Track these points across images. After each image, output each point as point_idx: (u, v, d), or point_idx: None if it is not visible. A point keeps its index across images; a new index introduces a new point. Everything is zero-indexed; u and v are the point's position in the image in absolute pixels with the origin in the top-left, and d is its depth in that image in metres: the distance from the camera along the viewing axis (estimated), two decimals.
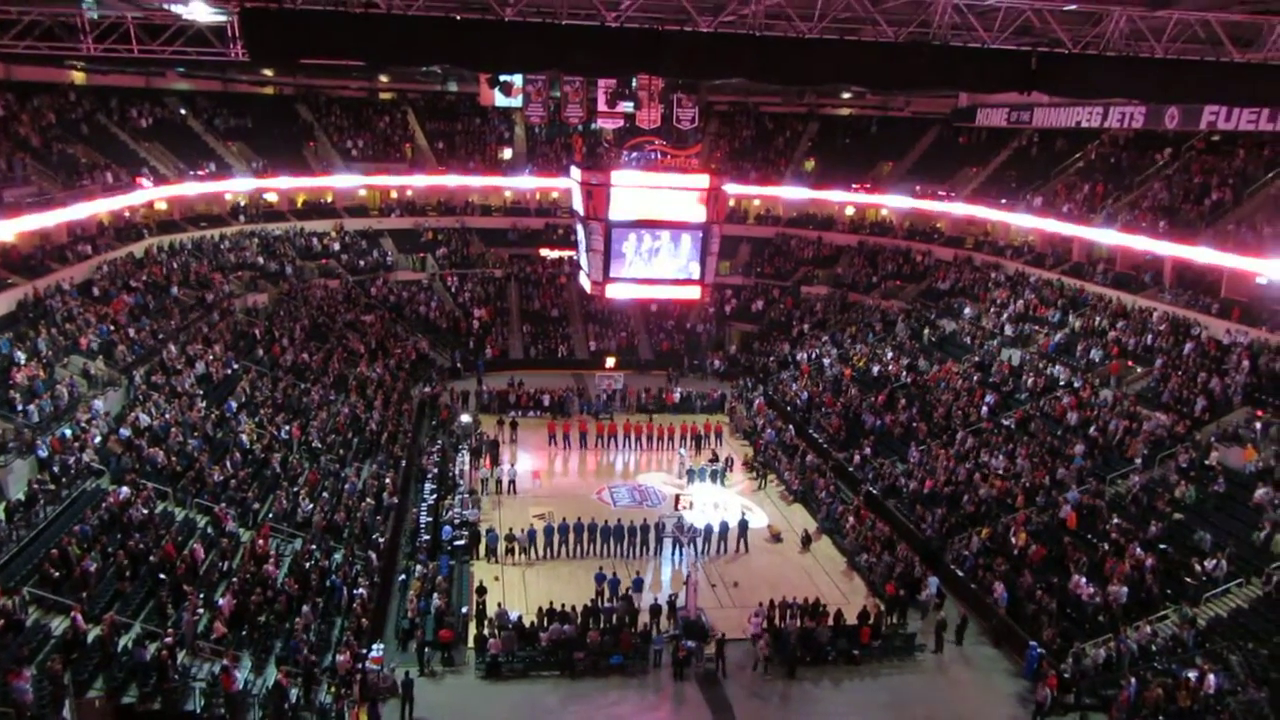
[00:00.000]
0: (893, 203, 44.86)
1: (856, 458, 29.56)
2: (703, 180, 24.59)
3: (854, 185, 46.18)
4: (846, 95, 49.74)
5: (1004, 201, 39.80)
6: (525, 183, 48.73)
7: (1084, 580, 21.07)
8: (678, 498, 26.78)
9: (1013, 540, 23.08)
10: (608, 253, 24.59)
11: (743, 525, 25.68)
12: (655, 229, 24.70)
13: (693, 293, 26.19)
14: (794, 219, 49.01)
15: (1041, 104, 39.35)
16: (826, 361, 37.15)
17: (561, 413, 35.33)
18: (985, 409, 29.21)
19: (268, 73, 46.13)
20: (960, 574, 23.28)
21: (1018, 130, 42.70)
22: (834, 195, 46.73)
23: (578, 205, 25.75)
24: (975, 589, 22.62)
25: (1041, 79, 16.31)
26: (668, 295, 27.12)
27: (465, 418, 32.64)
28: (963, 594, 22.92)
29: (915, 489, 26.67)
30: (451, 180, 47.49)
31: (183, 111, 43.48)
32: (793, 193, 47.84)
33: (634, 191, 24.20)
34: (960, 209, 41.84)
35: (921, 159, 46.61)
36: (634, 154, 25.30)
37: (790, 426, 33.30)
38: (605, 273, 24.90)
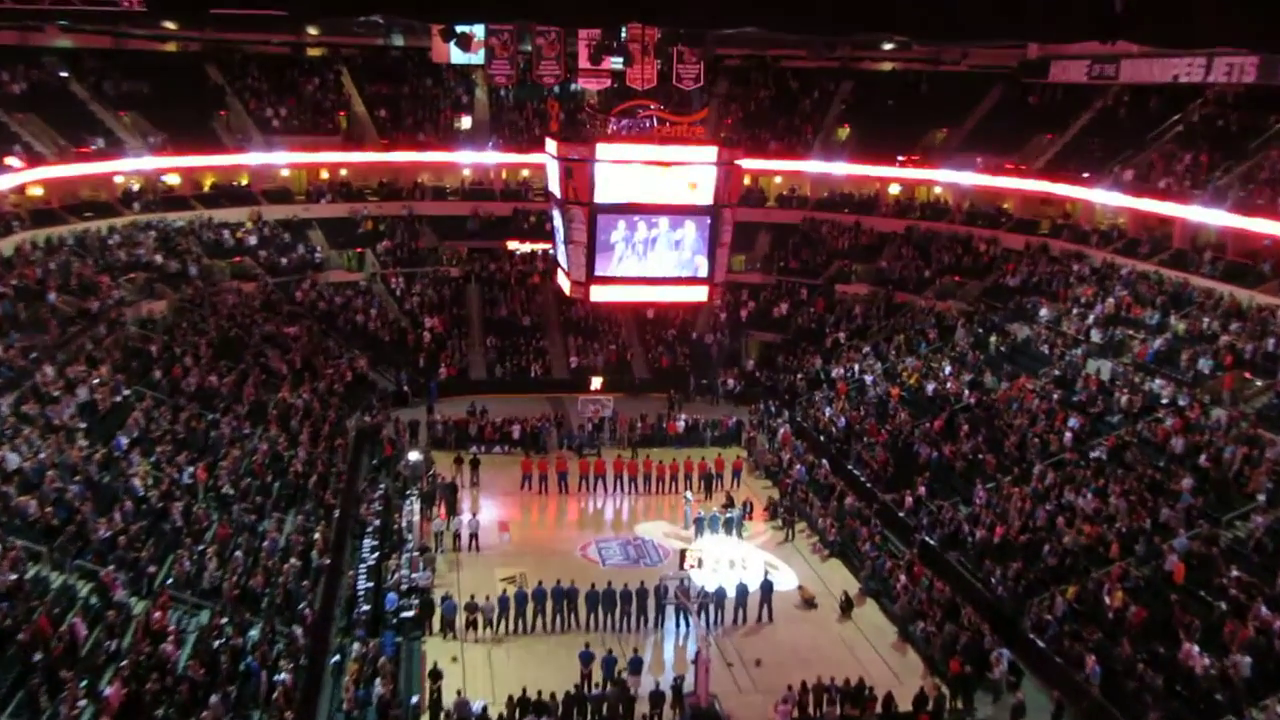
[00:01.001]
0: (948, 178, 45.29)
1: (908, 500, 29.54)
2: (710, 153, 24.67)
3: (899, 157, 46.58)
4: (888, 46, 50.09)
5: (1086, 175, 40.10)
6: (488, 158, 49.17)
7: (1197, 649, 20.76)
8: (683, 554, 26.65)
9: (1106, 601, 22.92)
10: (592, 245, 24.62)
11: (766, 588, 25.58)
12: (651, 215, 24.76)
13: (699, 294, 26.23)
14: (825, 200, 49.46)
15: (1130, 54, 39.64)
16: (869, 379, 37.22)
17: (536, 448, 35.42)
18: (1068, 436, 29.16)
19: (169, 26, 46.33)
20: (1041, 645, 23.04)
21: (1101, 87, 43.03)
22: (875, 170, 47.15)
23: (554, 186, 25.80)
24: (1060, 663, 22.34)
25: (1129, 23, 16.15)
26: (668, 298, 27.15)
27: (414, 455, 32.56)
28: (1045, 670, 22.63)
29: (983, 538, 26.59)
30: (397, 157, 47.93)
31: (64, 74, 43.60)
32: (823, 167, 48.24)
33: (624, 168, 24.25)
34: (1032, 185, 42.15)
35: (983, 124, 47.06)
36: (624, 121, 25.35)
37: (824, 461, 33.32)
38: (589, 270, 24.94)
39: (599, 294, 25.70)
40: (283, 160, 46.42)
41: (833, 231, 47.43)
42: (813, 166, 48.24)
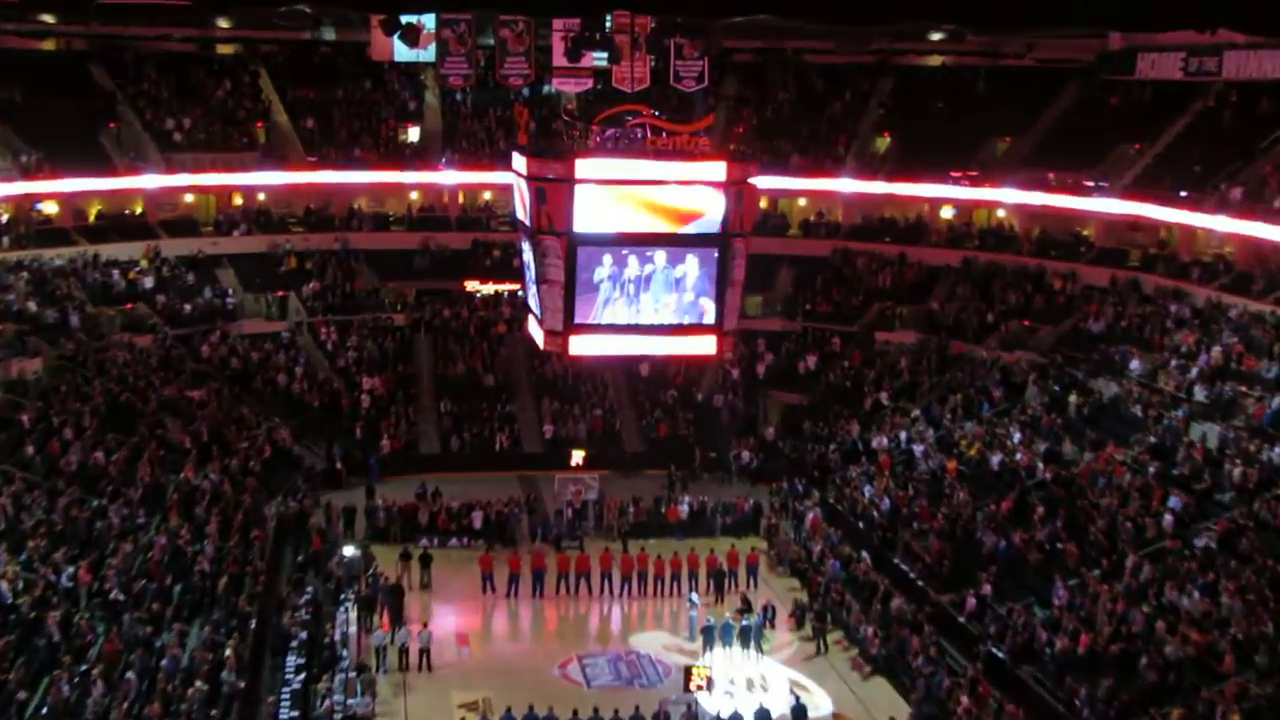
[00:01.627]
0: (1013, 198, 46.11)
1: (970, 601, 29.66)
2: (717, 170, 25.13)
3: (952, 173, 47.43)
4: (936, 36, 51.14)
5: (1184, 194, 40.75)
6: (441, 179, 49.98)
7: None
8: (689, 672, 26.69)
9: None
10: (571, 286, 24.99)
11: (797, 714, 25.65)
12: (645, 247, 25.15)
13: (705, 345, 26.53)
14: (860, 227, 50.08)
15: (1235, 45, 40.40)
16: (918, 450, 37.52)
17: (502, 540, 35.51)
18: (1169, 519, 29.31)
19: (47, 18, 47.15)
20: None
21: (1200, 85, 43.81)
22: (922, 189, 47.97)
23: (523, 212, 26.24)
24: None
25: (1232, 7, 16.45)
26: (666, 350, 27.47)
27: (350, 550, 32.66)
28: None
29: (1064, 649, 26.65)
30: (328, 177, 48.61)
31: None
32: (858, 186, 48.99)
33: (611, 190, 24.68)
34: (1117, 206, 42.83)
35: (1055, 131, 47.94)
36: (610, 132, 25.85)
37: (864, 554, 33.46)
38: (567, 317, 25.27)
39: (580, 346, 25.94)
40: (186, 183, 47.03)
41: (871, 266, 48.05)
42: (845, 185, 49.02)
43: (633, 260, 25.16)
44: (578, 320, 25.30)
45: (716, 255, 25.34)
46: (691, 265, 25.42)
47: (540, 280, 25.46)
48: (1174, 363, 35.64)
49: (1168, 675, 24.77)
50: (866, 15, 45.68)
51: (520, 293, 46.29)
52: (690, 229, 25.10)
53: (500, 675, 27.79)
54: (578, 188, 24.43)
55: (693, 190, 24.99)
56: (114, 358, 39.62)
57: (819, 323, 46.44)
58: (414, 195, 50.77)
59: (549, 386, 44.30)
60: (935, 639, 28.78)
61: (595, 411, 43.16)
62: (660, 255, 25.24)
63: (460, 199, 51.10)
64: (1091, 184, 44.21)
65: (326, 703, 25.02)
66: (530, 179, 25.16)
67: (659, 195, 24.84)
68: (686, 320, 25.77)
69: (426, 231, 49.35)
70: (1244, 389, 33.00)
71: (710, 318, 25.80)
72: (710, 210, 25.02)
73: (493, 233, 49.51)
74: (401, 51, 40.94)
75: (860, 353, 44.68)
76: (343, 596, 30.19)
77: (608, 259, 24.99)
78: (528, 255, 26.70)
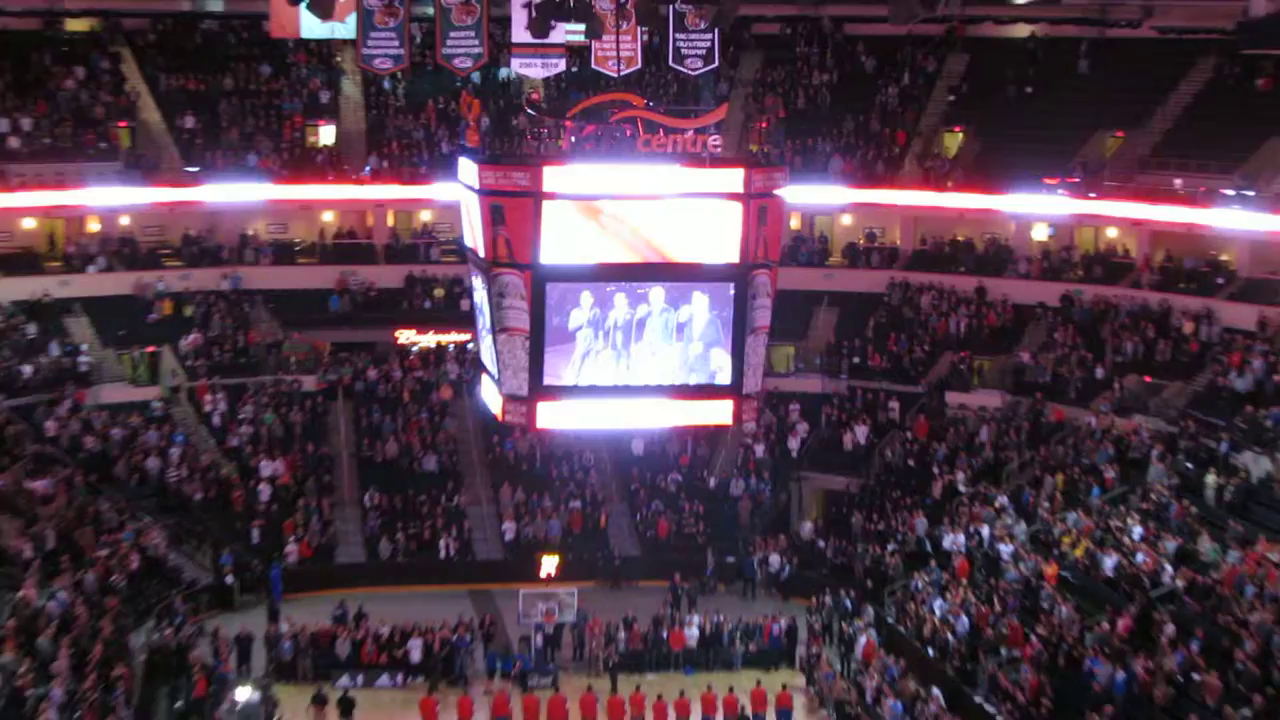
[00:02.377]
0: (1128, 213, 46.57)
1: None
2: (733, 178, 25.26)
3: (1047, 180, 47.98)
4: (1022, 0, 51.49)
5: None
6: (365, 193, 50.52)
7: None
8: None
9: None
10: (539, 335, 25.06)
11: None
12: (637, 282, 25.33)
13: (719, 413, 26.52)
14: (925, 253, 50.88)
15: None
16: (1005, 550, 37.67)
17: (449, 677, 35.69)
18: None
19: None
20: None
21: None
22: (1006, 202, 48.55)
23: (474, 238, 26.35)
24: None
25: None
26: (667, 420, 27.50)
27: (245, 693, 32.58)
28: None
29: None
30: (213, 194, 49.01)
31: None
32: (921, 198, 49.65)
33: (590, 207, 24.95)
34: (1267, 222, 43.11)
35: (1183, 122, 48.47)
36: (589, 129, 26.07)
37: (935, 692, 33.50)
38: (535, 378, 25.29)
39: (551, 416, 25.88)
40: (24, 204, 47.34)
41: (939, 304, 48.52)
42: (904, 198, 49.59)
43: (621, 300, 25.25)
44: (548, 381, 25.31)
45: (733, 292, 25.42)
46: (699, 306, 25.52)
47: (498, 328, 25.52)
48: None
49: None
50: None
51: (471, 345, 46.70)
52: (697, 258, 25.30)
53: None
54: (546, 204, 24.53)
55: (700, 206, 25.17)
56: None
57: (871, 381, 46.82)
58: (328, 217, 51.32)
59: (510, 471, 44.52)
60: None
61: (573, 504, 43.33)
62: (658, 293, 25.33)
63: (390, 221, 51.62)
64: (1232, 192, 44.39)
65: None
66: (483, 193, 25.28)
67: (655, 214, 25.00)
68: (693, 380, 25.79)
69: (345, 264, 49.87)
70: None
71: (725, 376, 25.85)
72: (723, 233, 25.15)
73: (433, 265, 50.01)
74: (311, 26, 40.90)
75: (927, 421, 44.99)
76: None
77: (587, 299, 25.08)
78: (480, 295, 26.78)
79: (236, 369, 46.67)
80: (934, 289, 48.96)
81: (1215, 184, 44.90)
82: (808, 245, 50.51)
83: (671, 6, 36.68)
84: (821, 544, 42.43)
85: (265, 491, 42.45)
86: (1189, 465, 37.78)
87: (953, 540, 38.99)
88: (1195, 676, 30.12)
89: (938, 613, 36.07)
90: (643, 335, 25.66)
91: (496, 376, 26.36)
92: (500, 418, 26.86)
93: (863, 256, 50.83)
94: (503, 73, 51.43)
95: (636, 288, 25.55)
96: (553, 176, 24.79)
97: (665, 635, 37.18)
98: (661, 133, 25.93)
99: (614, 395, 26.16)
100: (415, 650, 35.91)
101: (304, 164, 50.49)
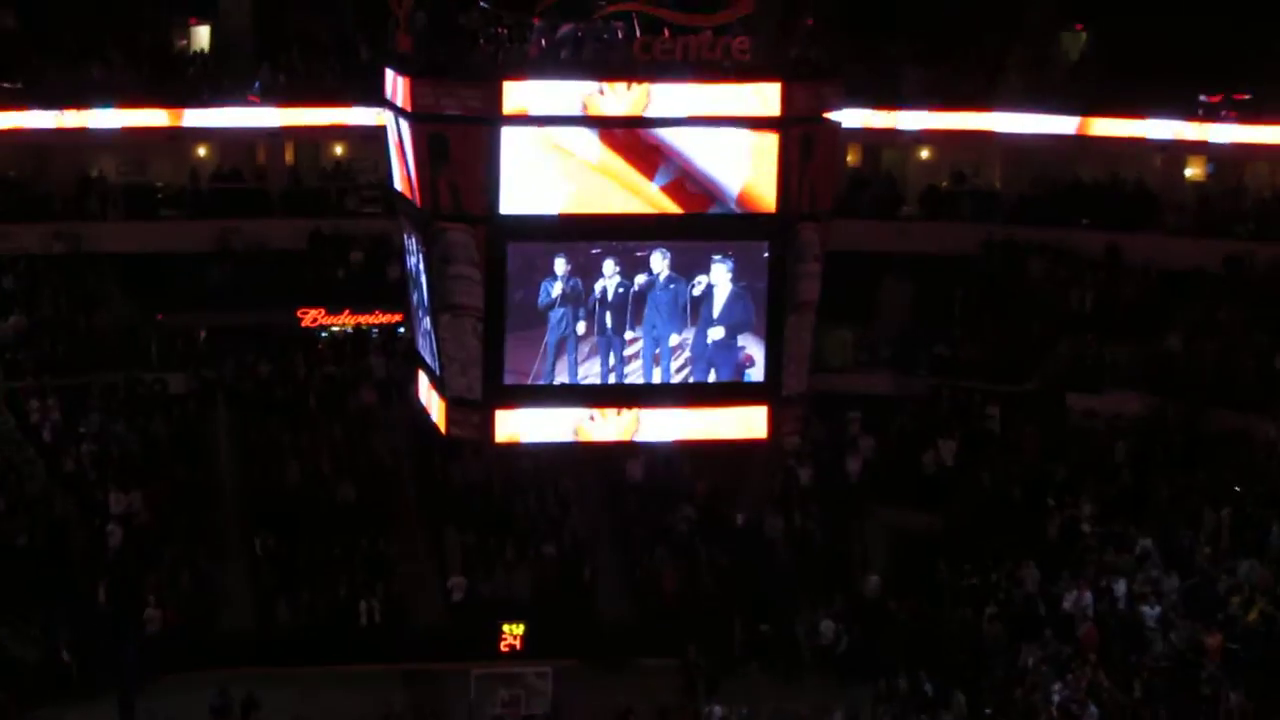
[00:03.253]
0: None
1: None
2: (764, 97, 24.98)
3: (1205, 98, 47.95)
4: None
5: None
6: (255, 119, 50.64)
7: None
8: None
9: None
10: (498, 315, 24.88)
11: None
12: (634, 242, 25.07)
13: (749, 423, 26.32)
14: (1035, 199, 51.13)
15: None
16: (1150, 613, 37.65)
17: None
18: None
19: None
20: None
21: None
22: (1148, 128, 48.50)
23: (407, 181, 26.13)
24: None
25: None
26: (676, 433, 27.24)
27: None
28: None
29: None
30: (40, 121, 48.91)
31: None
32: (1028, 124, 49.69)
33: (567, 140, 24.63)
34: None
35: None
36: (564, 29, 25.81)
37: None
38: (492, 375, 25.14)
39: (515, 429, 25.67)
40: None
41: (1056, 270, 48.74)
42: (1005, 122, 49.54)
43: (611, 268, 25.02)
44: (510, 380, 25.15)
45: (767, 255, 25.26)
46: (721, 276, 25.29)
47: (440, 306, 25.33)
48: None
49: None
50: None
51: (403, 330, 47.18)
52: (718, 209, 25.05)
53: None
54: (507, 133, 24.34)
55: (721, 138, 24.93)
56: None
57: (960, 378, 47.01)
58: (202, 152, 51.33)
59: (459, 506, 44.63)
60: None
61: (545, 549, 43.31)
62: (662, 258, 25.13)
63: (289, 158, 51.78)
64: None
65: None
66: (419, 118, 25.06)
67: (657, 147, 24.81)
68: (713, 377, 25.67)
69: (227, 218, 50.00)
70: None
71: (757, 372, 25.68)
72: (754, 173, 24.94)
73: (349, 218, 50.20)
74: None
75: (1038, 433, 45.07)
76: None
77: (563, 265, 24.90)
78: (416, 261, 26.63)
79: (74, 365, 46.70)
80: (1047, 250, 48.99)
81: None
82: (872, 190, 50.28)
83: None
84: (892, 606, 42.20)
85: (116, 535, 42.21)
86: None
87: (1076, 600, 38.86)
88: None
89: (1055, 699, 35.89)
90: (641, 316, 25.43)
91: (439, 373, 26.15)
92: (444, 431, 26.69)
93: (948, 205, 50.80)
94: None
95: (633, 250, 25.30)
96: (516, 95, 24.51)
97: None
98: (667, 34, 25.61)
99: (601, 399, 26.00)
100: None
101: (168, 79, 50.33)
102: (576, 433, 26.21)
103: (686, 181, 24.61)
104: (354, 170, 51.09)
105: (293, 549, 42.84)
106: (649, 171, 24.63)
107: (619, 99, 24.38)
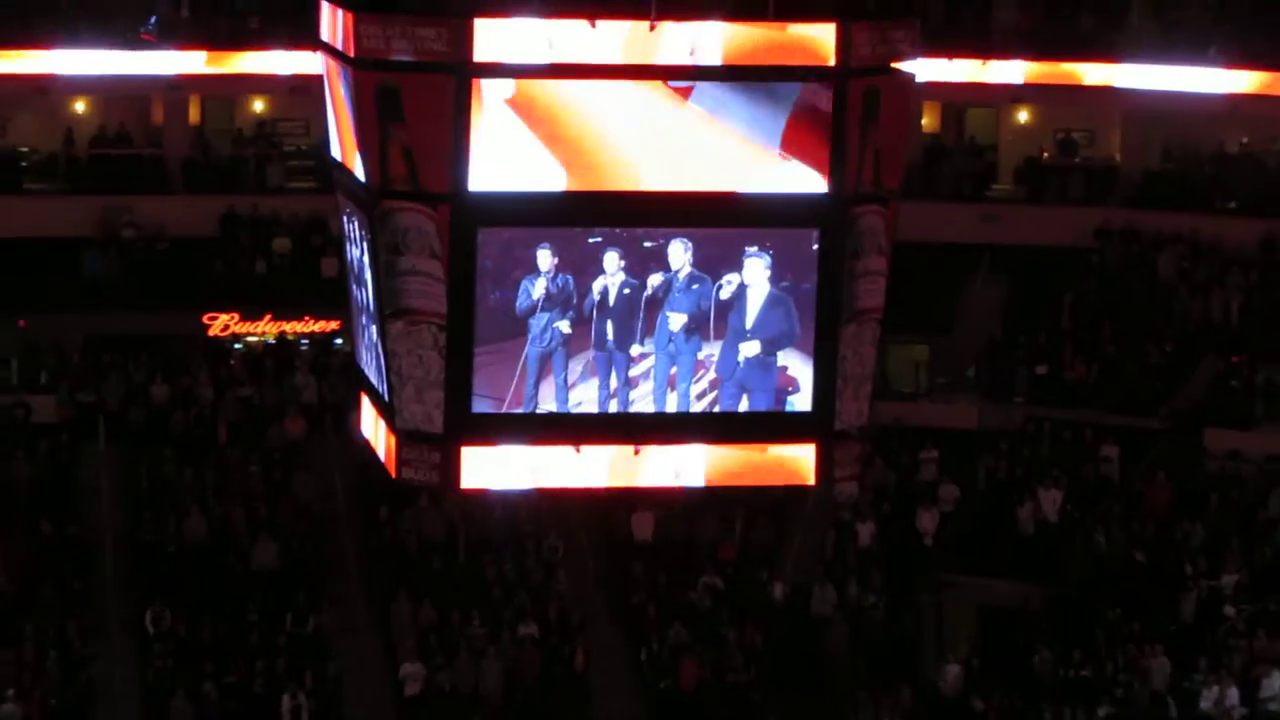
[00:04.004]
0: None
1: None
2: (817, 40, 25.12)
3: None
4: None
5: None
6: (146, 64, 51.17)
7: None
8: None
9: None
10: (464, 327, 24.97)
11: None
12: (642, 232, 25.19)
13: (791, 466, 26.41)
14: (1166, 178, 51.90)
15: None
16: None
17: None
18: None
19: None
20: None
21: None
22: None
23: (348, 149, 26.26)
24: None
25: None
26: (696, 481, 27.34)
27: None
28: None
29: None
30: None
31: None
32: (1154, 76, 50.22)
33: (556, 97, 24.75)
34: None
35: None
36: None
37: None
38: (458, 404, 25.19)
39: (486, 472, 25.77)
40: None
41: (1194, 269, 49.13)
42: (1126, 75, 50.08)
43: (613, 263, 25.08)
44: (480, 407, 25.10)
45: (817, 248, 25.34)
46: (755, 274, 25.31)
47: (391, 312, 25.44)
48: None
49: None
50: None
51: (340, 342, 47.99)
52: (751, 186, 25.17)
53: None
54: (478, 86, 24.52)
55: (756, 92, 25.07)
56: None
57: (1068, 409, 47.44)
58: (80, 108, 51.86)
59: (412, 570, 44.90)
60: None
61: (525, 630, 43.46)
62: (680, 251, 25.19)
63: (194, 117, 52.45)
64: None
65: None
66: (364, 66, 25.22)
67: (673, 106, 24.95)
68: (745, 405, 25.70)
69: (113, 194, 50.55)
70: None
71: (802, 398, 25.70)
72: (799, 140, 25.07)
73: (272, 196, 50.96)
74: None
75: (1169, 481, 45.29)
76: None
77: (548, 257, 24.99)
78: (359, 251, 26.70)
79: None
80: (1181, 242, 49.24)
81: None
82: (954, 162, 50.42)
83: None
84: (977, 704, 42.32)
85: None
86: None
87: (1217, 698, 38.92)
88: None
89: None
90: (654, 325, 25.45)
91: (388, 398, 26.18)
92: (394, 473, 26.69)
93: (1054, 182, 51.06)
94: None
95: (641, 239, 25.33)
96: (491, 37, 24.61)
97: None
98: None
99: (599, 433, 26.13)
100: None
101: (36, 14, 50.49)
102: (566, 477, 26.34)
103: (714, 151, 24.84)
104: (279, 134, 51.27)
105: (194, 625, 43.05)
106: (665, 137, 24.80)
107: (624, 44, 24.55)
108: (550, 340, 25.00)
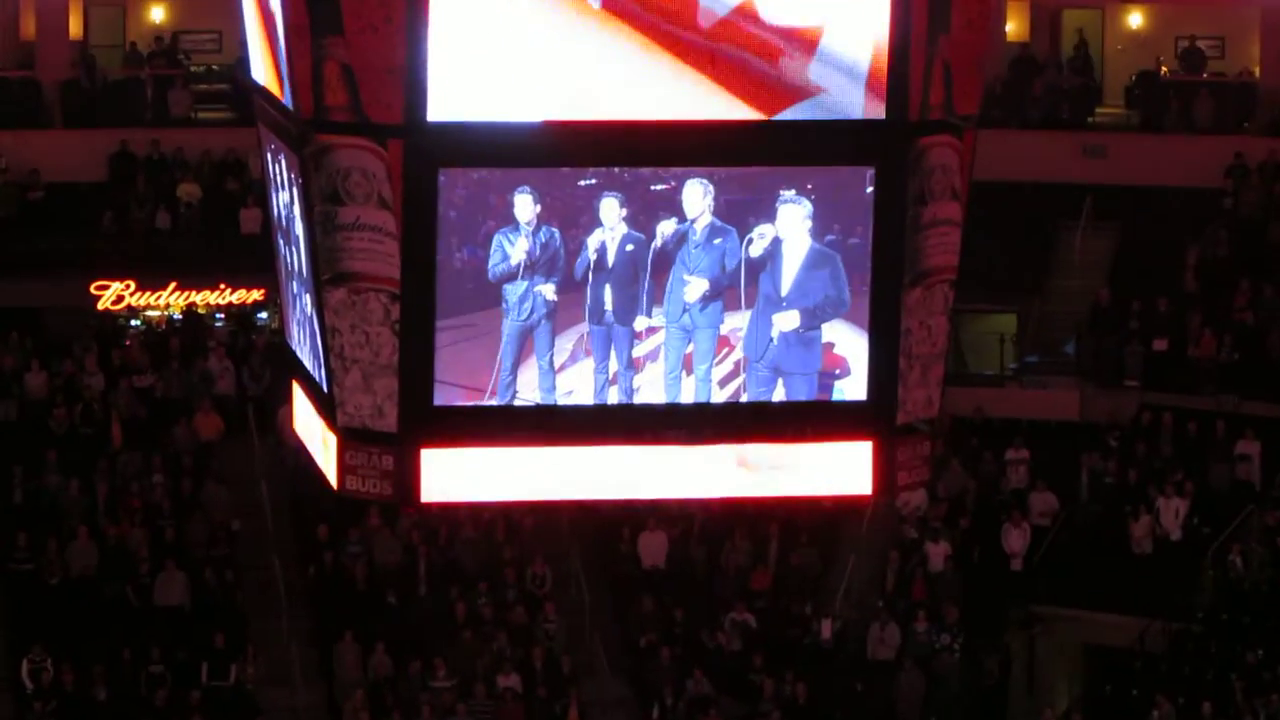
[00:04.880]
0: None
1: None
2: None
3: None
4: None
5: None
6: None
7: None
8: None
9: None
10: (422, 295, 24.99)
11: None
12: (648, 172, 25.20)
13: (843, 471, 26.44)
14: None
15: None
16: None
17: None
18: None
19: None
20: None
21: None
22: None
23: (271, 67, 26.31)
24: None
25: None
26: (721, 491, 27.37)
27: None
28: None
29: None
30: None
31: None
32: None
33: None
34: None
35: None
36: None
37: None
38: (415, 394, 25.22)
39: (452, 481, 25.90)
40: None
41: None
42: None
43: (612, 210, 25.17)
44: (443, 398, 25.18)
45: (871, 190, 25.38)
46: (793, 225, 25.32)
47: (331, 277, 25.49)
48: None
49: None
50: None
51: (266, 316, 48.47)
52: (787, 111, 25.18)
53: None
54: None
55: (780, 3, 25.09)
56: None
57: (1194, 395, 47.53)
58: None
59: (361, 607, 45.06)
60: None
61: (504, 683, 43.66)
62: (700, 194, 25.26)
63: (76, 29, 52.46)
64: None
65: None
66: None
67: (687, 7, 24.98)
68: (781, 393, 25.74)
69: None
70: None
71: (854, 383, 25.75)
72: (847, 52, 25.09)
73: (177, 129, 50.92)
74: None
75: None
76: None
77: (529, 205, 25.00)
78: (288, 199, 26.76)
79: None
80: None
81: None
82: (1047, 79, 50.48)
83: None
84: None
85: None
86: None
87: None
88: None
89: None
90: (664, 292, 25.46)
91: (327, 388, 26.20)
92: (336, 483, 26.72)
93: (1176, 104, 50.87)
94: None
95: (648, 181, 25.37)
96: None
97: None
98: None
99: (596, 430, 26.18)
100: None
101: None
102: (554, 487, 26.37)
103: (743, 63, 24.85)
104: (184, 50, 51.25)
105: (83, 678, 43.15)
106: (679, 47, 24.82)
107: None
108: (532, 312, 24.93)
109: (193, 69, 50.87)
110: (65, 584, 44.37)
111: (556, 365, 24.95)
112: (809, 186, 24.90)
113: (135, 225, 49.32)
